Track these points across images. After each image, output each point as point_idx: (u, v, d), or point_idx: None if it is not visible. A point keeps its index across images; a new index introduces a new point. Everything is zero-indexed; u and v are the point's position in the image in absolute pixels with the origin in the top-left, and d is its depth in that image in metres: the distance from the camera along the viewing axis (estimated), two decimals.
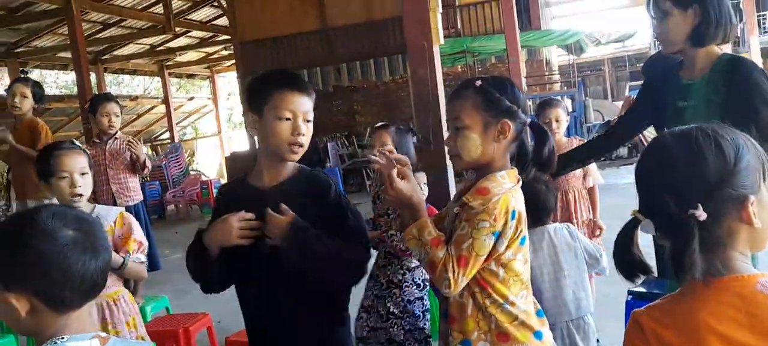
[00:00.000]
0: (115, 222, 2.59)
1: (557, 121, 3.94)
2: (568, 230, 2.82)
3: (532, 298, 1.81)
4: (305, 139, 1.83)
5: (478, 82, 1.75)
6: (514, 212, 1.68)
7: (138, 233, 2.62)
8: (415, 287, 3.04)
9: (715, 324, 1.07)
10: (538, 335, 1.74)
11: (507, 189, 1.69)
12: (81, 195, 2.53)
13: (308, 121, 1.84)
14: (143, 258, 2.62)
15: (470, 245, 1.64)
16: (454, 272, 1.64)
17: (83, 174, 2.55)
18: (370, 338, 3.04)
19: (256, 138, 1.91)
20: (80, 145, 2.87)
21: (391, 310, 3.00)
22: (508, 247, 1.69)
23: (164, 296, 4.95)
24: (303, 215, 1.78)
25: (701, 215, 1.07)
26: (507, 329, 1.70)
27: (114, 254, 2.42)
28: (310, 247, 1.73)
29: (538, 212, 2.68)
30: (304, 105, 1.83)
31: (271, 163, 1.88)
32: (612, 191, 9.95)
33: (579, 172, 4.01)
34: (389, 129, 3.12)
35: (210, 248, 1.82)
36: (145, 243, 2.66)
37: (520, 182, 1.76)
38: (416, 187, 1.77)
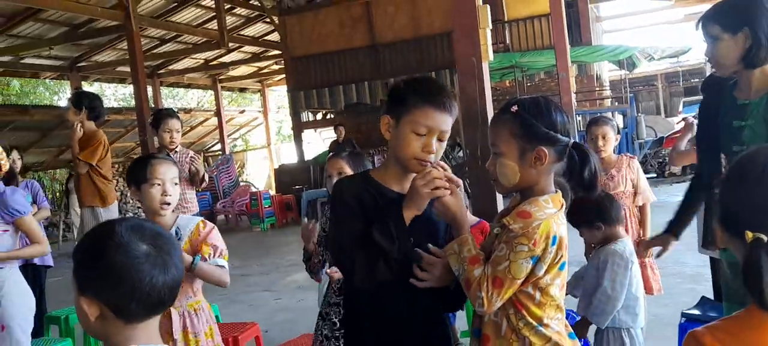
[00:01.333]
0: (196, 228, 2.66)
1: (604, 138, 3.89)
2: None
3: (565, 320, 1.81)
4: (434, 157, 1.80)
5: (514, 108, 1.73)
6: (554, 237, 1.67)
7: (215, 238, 2.66)
8: None
9: None
10: None
11: (549, 214, 1.68)
12: (169, 203, 2.59)
13: (441, 140, 1.82)
14: (222, 262, 2.65)
15: (507, 267, 1.65)
16: (488, 292, 1.65)
17: (175, 184, 2.62)
18: None
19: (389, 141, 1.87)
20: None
21: None
22: (547, 272, 1.69)
23: (214, 304, 5.07)
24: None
25: None
26: None
27: (184, 254, 2.44)
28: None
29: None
30: (443, 123, 1.80)
31: (401, 171, 1.86)
32: (665, 209, 9.68)
33: (630, 188, 3.94)
34: (343, 157, 3.05)
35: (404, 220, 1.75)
36: (223, 248, 2.68)
37: (563, 206, 1.75)
38: (462, 205, 1.78)
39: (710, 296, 3.65)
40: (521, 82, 14.22)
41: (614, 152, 4.02)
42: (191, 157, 5.15)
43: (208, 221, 2.78)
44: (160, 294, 1.25)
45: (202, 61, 16.14)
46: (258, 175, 20.69)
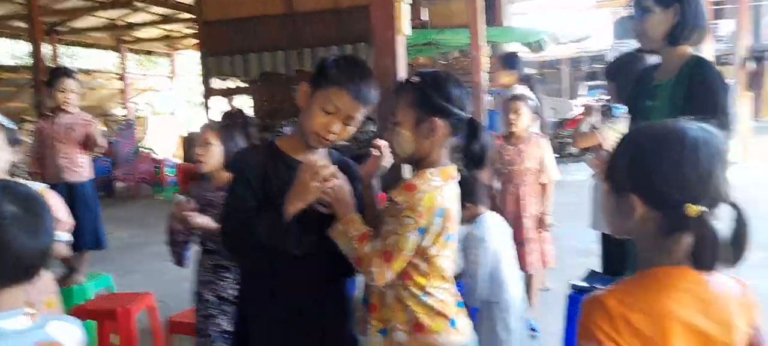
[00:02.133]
0: None
1: (516, 113, 4.05)
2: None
3: (454, 289, 1.87)
4: (334, 137, 1.82)
5: (415, 79, 1.80)
6: (440, 209, 1.72)
7: (57, 211, 2.56)
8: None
9: (678, 310, 1.15)
10: (452, 322, 1.81)
11: (434, 186, 1.72)
12: None
13: (347, 124, 1.82)
14: (64, 236, 2.58)
15: (395, 240, 1.70)
16: (379, 266, 1.69)
17: None
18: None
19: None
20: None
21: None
22: (433, 243, 1.74)
23: (108, 274, 4.88)
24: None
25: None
26: (423, 319, 1.77)
27: None
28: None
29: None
30: (353, 109, 1.81)
31: (305, 142, 1.87)
32: (563, 188, 10.17)
33: (535, 166, 4.10)
34: (214, 127, 2.87)
35: (288, 214, 1.73)
36: (67, 221, 2.64)
37: (452, 179, 1.80)
38: (344, 185, 1.79)
39: (598, 269, 3.89)
40: (437, 59, 14.39)
41: (532, 130, 4.18)
42: (86, 120, 4.94)
43: (50, 191, 2.65)
44: (29, 259, 1.20)
45: (106, 21, 15.26)
46: (164, 142, 19.94)
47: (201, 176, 2.91)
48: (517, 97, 4.19)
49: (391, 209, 1.75)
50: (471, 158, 1.81)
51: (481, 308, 2.94)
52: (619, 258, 2.80)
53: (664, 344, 1.13)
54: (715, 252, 1.15)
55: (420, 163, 1.81)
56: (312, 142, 1.84)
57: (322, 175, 1.72)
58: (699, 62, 2.39)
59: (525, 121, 4.11)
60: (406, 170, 1.95)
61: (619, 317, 1.13)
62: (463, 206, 2.98)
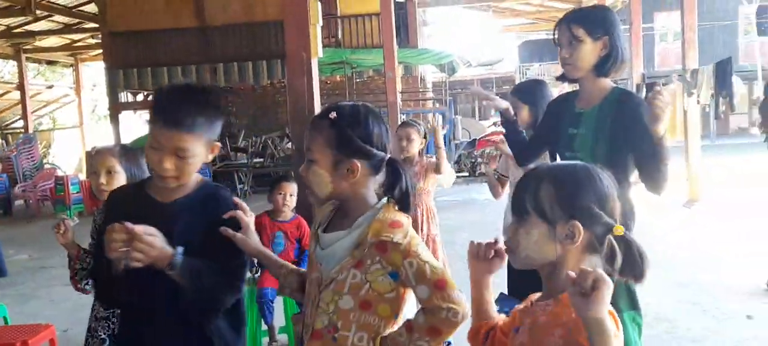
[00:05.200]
0: None
1: (408, 139, 4.21)
2: None
3: None
4: (174, 172, 1.73)
5: (333, 115, 1.65)
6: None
7: None
8: None
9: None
10: None
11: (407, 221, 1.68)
12: None
13: (183, 158, 1.73)
14: None
15: (430, 268, 1.59)
16: (447, 299, 1.58)
17: None
18: None
19: None
20: None
21: None
22: None
23: (2, 303, 4.51)
24: (190, 233, 1.74)
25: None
26: None
27: None
28: (192, 284, 1.70)
29: None
30: (177, 140, 1.71)
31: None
32: (473, 205, 10.58)
33: (429, 187, 4.25)
34: (114, 151, 2.66)
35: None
36: None
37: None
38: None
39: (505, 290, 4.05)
40: (351, 78, 14.55)
41: (421, 154, 4.34)
42: None
43: None
44: None
45: (4, 28, 14.43)
46: (68, 157, 18.98)
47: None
48: (409, 124, 4.38)
49: (392, 249, 1.59)
50: (394, 200, 1.68)
51: None
52: (525, 280, 2.90)
53: None
54: (643, 257, 1.31)
55: (344, 203, 1.70)
56: (158, 182, 1.78)
57: (121, 238, 1.60)
58: (625, 93, 2.45)
59: (416, 146, 4.27)
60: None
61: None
62: None
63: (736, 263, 5.69)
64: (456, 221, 7.90)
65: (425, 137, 4.36)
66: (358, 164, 1.63)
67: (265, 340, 4.13)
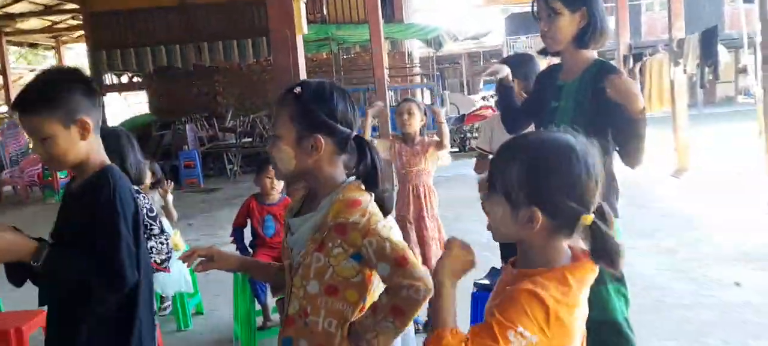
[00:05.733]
0: None
1: (409, 114, 4.16)
2: None
3: None
4: (45, 156, 1.80)
5: (297, 89, 1.63)
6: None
7: None
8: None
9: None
10: None
11: (369, 198, 1.64)
12: None
13: (44, 139, 1.76)
14: None
15: (390, 245, 1.57)
16: (410, 274, 1.56)
17: None
18: None
19: None
20: None
21: None
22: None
23: None
24: (74, 217, 1.79)
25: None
26: None
27: None
28: (55, 273, 1.73)
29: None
30: (25, 124, 1.78)
31: None
32: (465, 182, 10.57)
33: (430, 168, 4.22)
34: None
35: None
36: None
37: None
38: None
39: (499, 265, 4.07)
40: (337, 54, 14.43)
41: (422, 132, 4.29)
42: None
43: None
44: None
45: None
46: None
47: None
48: (410, 100, 4.32)
49: (351, 230, 1.56)
50: (361, 178, 1.65)
51: None
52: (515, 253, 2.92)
53: (574, 329, 1.28)
54: (614, 249, 1.29)
55: (311, 181, 1.68)
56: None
57: None
58: (605, 66, 2.39)
59: (417, 121, 4.23)
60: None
61: (553, 311, 1.24)
62: None
63: (724, 230, 5.74)
64: (445, 197, 7.95)
65: (425, 114, 4.32)
66: (322, 140, 1.60)
67: (259, 319, 4.12)
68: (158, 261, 3.41)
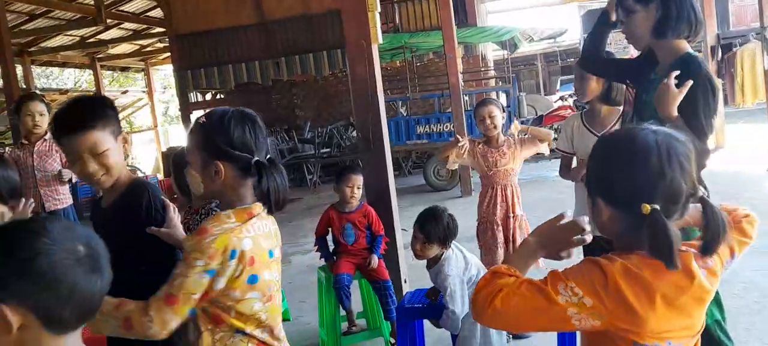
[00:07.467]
0: None
1: (491, 116, 4.12)
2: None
3: (280, 332, 1.82)
4: (102, 176, 1.91)
5: (202, 119, 1.78)
6: (234, 251, 1.65)
7: None
8: None
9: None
10: None
11: (228, 228, 1.66)
12: None
13: (96, 155, 1.89)
14: None
15: (181, 282, 1.63)
16: (158, 312, 1.60)
17: None
18: None
19: None
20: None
21: None
22: (230, 286, 1.67)
23: None
24: (123, 233, 1.85)
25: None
26: None
27: None
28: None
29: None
30: (79, 144, 1.88)
31: None
32: (542, 183, 10.35)
33: (517, 167, 4.17)
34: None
35: None
36: None
37: (254, 218, 1.73)
38: None
39: None
40: (411, 62, 14.47)
41: (502, 131, 4.25)
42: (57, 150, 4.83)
43: None
44: (95, 300, 1.14)
45: (78, 39, 15.13)
46: (145, 158, 19.78)
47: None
48: (489, 101, 4.28)
49: (184, 255, 1.68)
50: (268, 203, 1.76)
51: (466, 323, 3.03)
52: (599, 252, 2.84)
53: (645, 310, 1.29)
54: (668, 244, 1.26)
55: (222, 203, 1.80)
56: (97, 187, 1.98)
57: None
58: (686, 61, 2.30)
59: (500, 122, 4.18)
60: None
61: (613, 280, 1.28)
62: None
63: None
64: (527, 198, 7.79)
65: (502, 111, 4.30)
66: (221, 166, 1.73)
67: (344, 325, 4.19)
68: None
